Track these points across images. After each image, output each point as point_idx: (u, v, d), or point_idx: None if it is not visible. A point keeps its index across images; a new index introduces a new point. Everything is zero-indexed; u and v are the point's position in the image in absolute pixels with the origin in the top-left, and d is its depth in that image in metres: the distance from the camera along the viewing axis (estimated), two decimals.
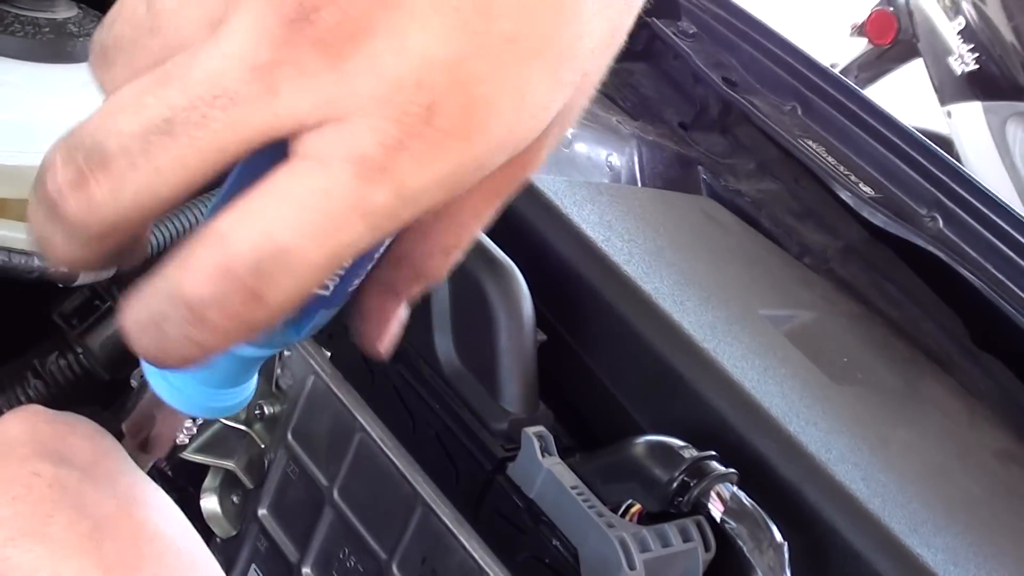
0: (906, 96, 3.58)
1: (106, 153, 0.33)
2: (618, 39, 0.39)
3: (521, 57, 0.35)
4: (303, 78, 0.33)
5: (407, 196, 0.34)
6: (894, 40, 3.86)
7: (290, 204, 0.33)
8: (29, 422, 0.54)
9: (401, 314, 0.46)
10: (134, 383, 0.82)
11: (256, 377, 0.49)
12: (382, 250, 0.42)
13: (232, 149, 0.33)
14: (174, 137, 0.33)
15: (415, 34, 0.33)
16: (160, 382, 0.46)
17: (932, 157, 1.27)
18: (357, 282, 0.43)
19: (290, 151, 0.34)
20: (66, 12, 0.80)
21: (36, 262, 0.78)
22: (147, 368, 0.47)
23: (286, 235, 0.33)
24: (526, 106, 0.36)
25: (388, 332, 0.46)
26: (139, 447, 0.55)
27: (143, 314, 0.35)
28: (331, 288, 0.42)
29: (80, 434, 0.55)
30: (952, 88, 3.71)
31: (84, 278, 0.81)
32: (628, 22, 0.39)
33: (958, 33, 3.68)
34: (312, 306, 0.42)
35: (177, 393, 0.47)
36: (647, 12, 1.40)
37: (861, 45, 3.95)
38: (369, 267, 0.42)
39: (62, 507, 0.50)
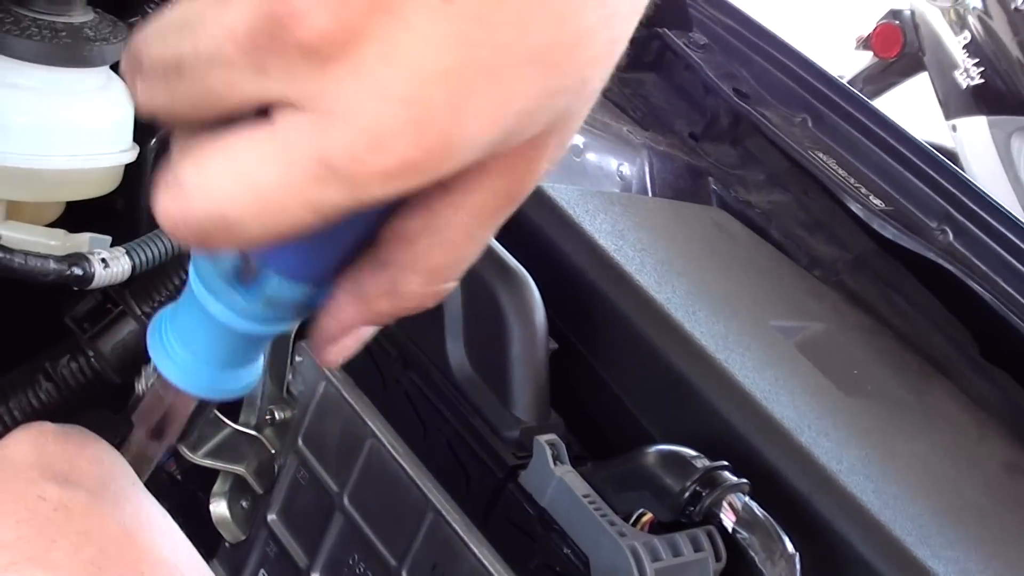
0: (911, 110, 3.59)
1: (140, 62, 0.38)
2: (620, 47, 0.38)
3: (514, 64, 0.34)
4: (287, 70, 0.34)
5: (361, 200, 0.35)
6: (899, 53, 3.87)
7: (244, 182, 0.35)
8: (37, 442, 0.54)
9: (362, 333, 0.44)
10: (139, 387, 0.82)
11: (262, 361, 0.50)
12: (363, 234, 0.41)
13: (230, 102, 0.36)
14: (182, 76, 0.36)
15: (407, 43, 0.33)
16: (168, 364, 0.47)
17: (942, 170, 1.27)
18: (339, 262, 0.42)
19: (271, 112, 0.35)
20: (83, 16, 0.80)
21: (52, 265, 0.78)
22: (155, 352, 0.47)
23: (232, 210, 0.36)
24: (510, 114, 0.35)
25: (341, 342, 0.44)
26: (149, 436, 0.55)
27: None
28: (314, 269, 0.42)
29: (88, 455, 0.54)
30: (957, 102, 3.72)
31: (98, 282, 0.81)
32: (630, 30, 0.38)
33: (964, 47, 3.69)
34: (295, 289, 0.43)
35: (185, 374, 0.47)
36: (659, 23, 1.40)
37: (866, 58, 3.96)
38: (350, 247, 0.41)
39: (66, 532, 0.50)
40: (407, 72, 0.33)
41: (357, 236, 0.41)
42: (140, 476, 0.58)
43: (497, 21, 0.33)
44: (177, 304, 0.47)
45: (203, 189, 0.36)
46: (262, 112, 0.35)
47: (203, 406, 0.52)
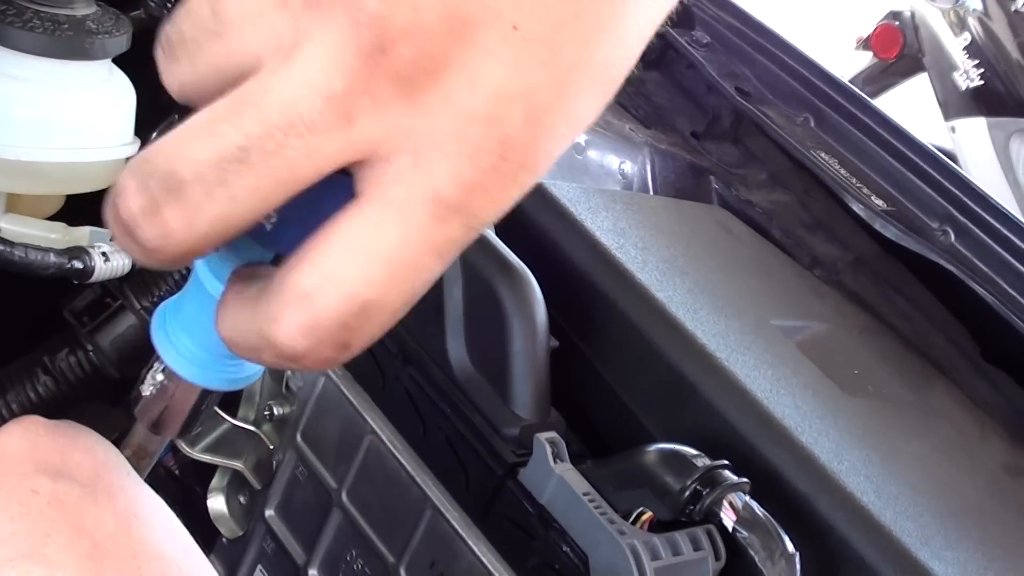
0: (910, 111, 3.59)
1: (181, 181, 0.33)
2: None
3: (582, 83, 0.35)
4: (379, 109, 0.33)
5: (478, 227, 0.35)
6: (899, 54, 3.87)
7: (371, 258, 0.34)
8: (28, 435, 0.53)
9: None
10: (143, 384, 0.82)
11: None
12: None
13: (306, 175, 0.33)
14: (250, 166, 0.33)
15: (488, 68, 0.33)
16: (173, 354, 0.46)
17: (944, 171, 1.27)
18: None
19: (359, 187, 0.34)
20: (85, 9, 0.80)
21: (52, 258, 0.78)
22: (159, 342, 0.47)
23: (370, 292, 0.34)
24: (579, 125, 0.36)
25: None
26: (151, 431, 0.54)
27: (240, 339, 0.36)
28: None
29: (80, 447, 0.54)
30: (956, 103, 3.72)
31: (98, 276, 0.81)
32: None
33: (963, 49, 3.69)
34: None
35: (190, 364, 0.47)
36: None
37: (866, 59, 3.96)
38: None
39: (61, 526, 0.49)
40: (491, 95, 0.33)
41: None
42: (141, 471, 0.58)
43: (563, 42, 0.34)
44: (182, 294, 0.47)
45: (331, 285, 0.34)
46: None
47: (205, 398, 0.52)
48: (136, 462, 0.57)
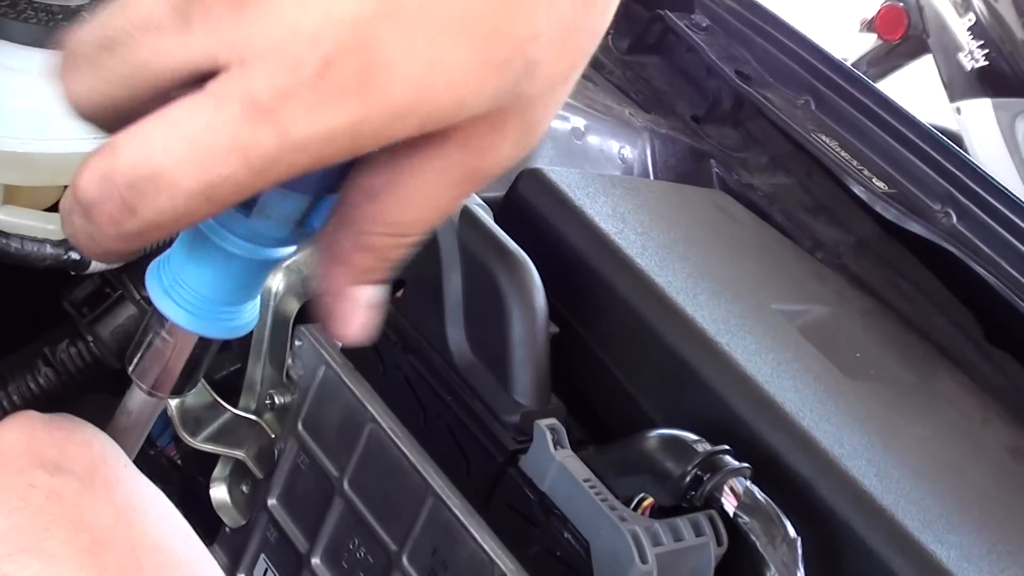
0: (915, 92, 3.57)
1: (72, 53, 0.39)
2: (581, 34, 0.40)
3: (437, 28, 0.36)
4: (210, 19, 0.36)
5: (292, 143, 0.36)
6: (904, 36, 3.85)
7: (176, 132, 0.36)
8: (24, 429, 0.53)
9: (365, 295, 0.45)
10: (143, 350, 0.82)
11: (258, 304, 0.50)
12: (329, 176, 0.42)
13: (160, 71, 0.37)
14: (113, 52, 0.38)
15: None
16: (168, 303, 0.47)
17: (946, 152, 1.27)
18: (335, 173, 0.43)
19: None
20: (79, 0, 0.80)
21: (49, 249, 0.78)
22: (154, 292, 0.47)
23: (164, 159, 0.36)
24: (439, 78, 0.37)
25: (345, 309, 0.45)
26: (150, 390, 0.54)
27: (64, 203, 0.39)
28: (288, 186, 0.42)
29: (77, 440, 0.54)
30: (962, 84, 3.70)
31: (96, 266, 0.81)
32: (590, 18, 0.40)
33: (968, 29, 3.67)
34: (293, 200, 0.43)
35: (186, 312, 0.47)
36: (660, 5, 1.40)
37: (870, 40, 3.94)
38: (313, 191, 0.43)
39: (60, 520, 0.49)
40: (318, 15, 0.35)
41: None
42: (136, 440, 0.57)
43: None
44: (176, 243, 0.47)
45: (134, 141, 0.37)
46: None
47: (204, 350, 0.51)
48: (131, 430, 0.56)
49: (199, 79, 0.37)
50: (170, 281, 0.47)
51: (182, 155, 0.36)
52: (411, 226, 0.42)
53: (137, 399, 0.56)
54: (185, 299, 0.47)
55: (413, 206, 0.42)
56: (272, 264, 0.47)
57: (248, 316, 0.49)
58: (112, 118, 0.39)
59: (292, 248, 0.47)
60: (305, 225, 0.44)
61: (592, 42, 0.41)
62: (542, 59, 0.38)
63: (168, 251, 0.48)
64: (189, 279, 0.47)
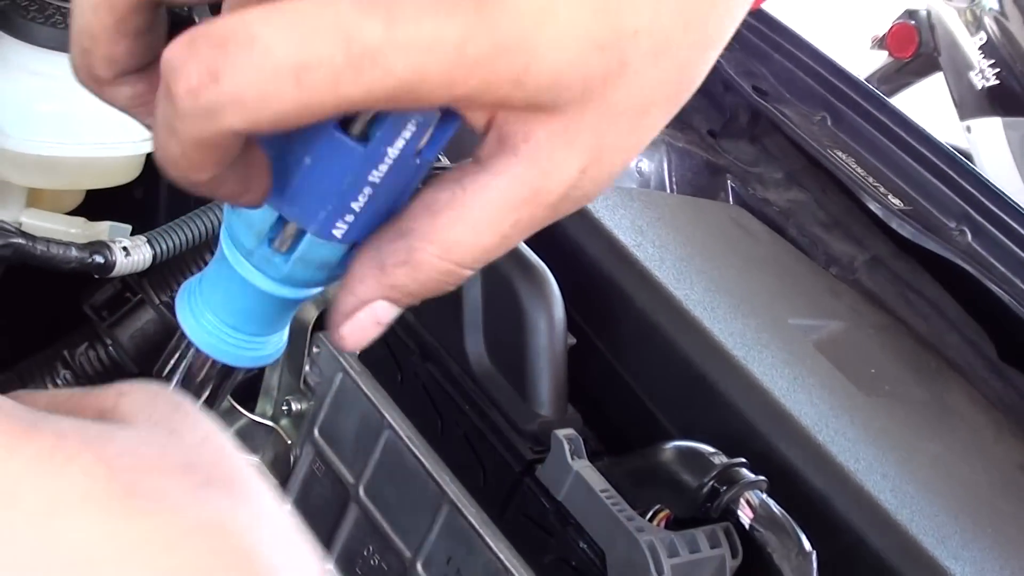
0: (926, 110, 3.58)
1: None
2: (680, 51, 0.38)
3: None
4: None
5: (395, 39, 0.34)
6: (915, 54, 3.85)
7: (279, 4, 0.34)
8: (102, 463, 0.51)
9: (380, 314, 0.42)
10: (167, 371, 0.82)
11: (286, 333, 0.50)
12: (395, 198, 0.41)
13: None
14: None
15: None
16: (197, 330, 0.47)
17: (961, 170, 1.27)
18: (372, 223, 0.42)
19: None
20: None
21: (74, 252, 0.78)
22: (182, 318, 0.47)
23: (261, 27, 0.34)
24: (548, 30, 0.35)
25: (359, 321, 0.42)
26: None
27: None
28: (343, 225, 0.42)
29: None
30: (972, 103, 3.70)
31: (119, 270, 0.82)
32: (691, 36, 0.38)
33: (979, 48, 3.67)
34: (328, 249, 0.42)
35: (214, 341, 0.47)
36: None
37: (882, 58, 3.94)
38: (383, 208, 0.41)
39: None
40: None
41: (390, 196, 0.41)
42: None
43: None
44: (207, 270, 0.47)
45: (232, 9, 0.35)
46: None
47: (227, 378, 0.52)
48: None
49: None
50: (199, 308, 0.47)
51: (281, 23, 0.34)
52: (465, 251, 0.40)
53: None
54: (214, 327, 0.47)
55: (472, 226, 0.39)
56: (302, 301, 0.47)
57: (274, 346, 0.49)
58: None
59: (322, 288, 0.47)
60: (338, 268, 0.44)
61: (690, 75, 0.39)
62: (634, 63, 0.37)
63: (199, 276, 0.48)
64: (219, 309, 0.47)
